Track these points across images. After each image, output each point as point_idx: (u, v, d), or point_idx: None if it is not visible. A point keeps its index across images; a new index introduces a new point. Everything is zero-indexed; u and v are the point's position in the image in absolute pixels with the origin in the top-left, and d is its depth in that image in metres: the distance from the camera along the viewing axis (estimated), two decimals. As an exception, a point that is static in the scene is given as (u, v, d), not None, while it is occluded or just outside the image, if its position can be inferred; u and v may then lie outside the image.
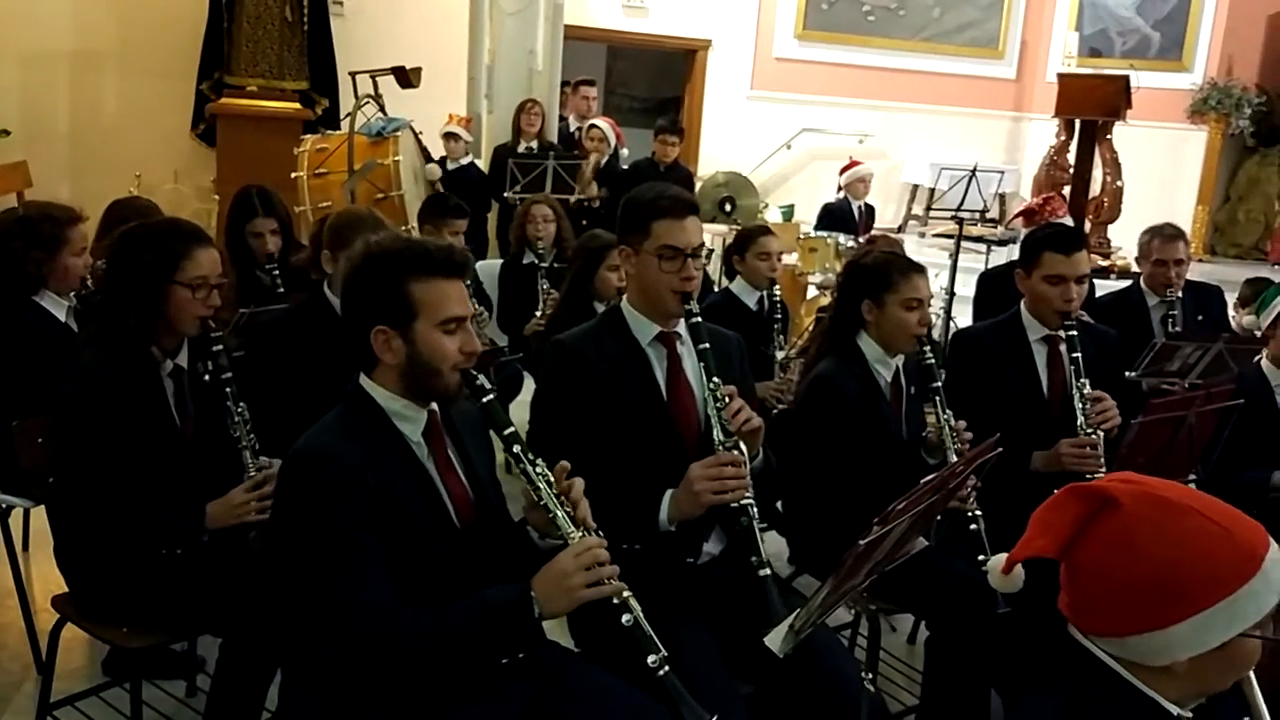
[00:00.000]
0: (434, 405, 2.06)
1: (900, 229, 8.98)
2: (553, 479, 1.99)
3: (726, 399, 2.37)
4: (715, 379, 2.39)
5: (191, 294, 2.51)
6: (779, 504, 3.17)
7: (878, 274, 2.97)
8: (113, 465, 2.44)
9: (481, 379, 2.01)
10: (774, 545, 3.74)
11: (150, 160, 8.74)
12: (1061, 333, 3.10)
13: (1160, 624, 1.32)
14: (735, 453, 2.34)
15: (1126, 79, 8.12)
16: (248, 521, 2.53)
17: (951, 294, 6.55)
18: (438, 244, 2.03)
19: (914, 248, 8.16)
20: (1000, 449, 1.96)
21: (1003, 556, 1.51)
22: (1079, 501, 1.38)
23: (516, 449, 1.98)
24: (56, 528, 2.65)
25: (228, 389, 2.60)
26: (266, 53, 8.72)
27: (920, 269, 3.02)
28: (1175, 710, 1.36)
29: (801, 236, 7.11)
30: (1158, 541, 1.32)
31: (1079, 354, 3.03)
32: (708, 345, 2.42)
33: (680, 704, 1.90)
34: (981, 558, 2.73)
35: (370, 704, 1.91)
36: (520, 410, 4.81)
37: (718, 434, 2.38)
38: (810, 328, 4.88)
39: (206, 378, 2.64)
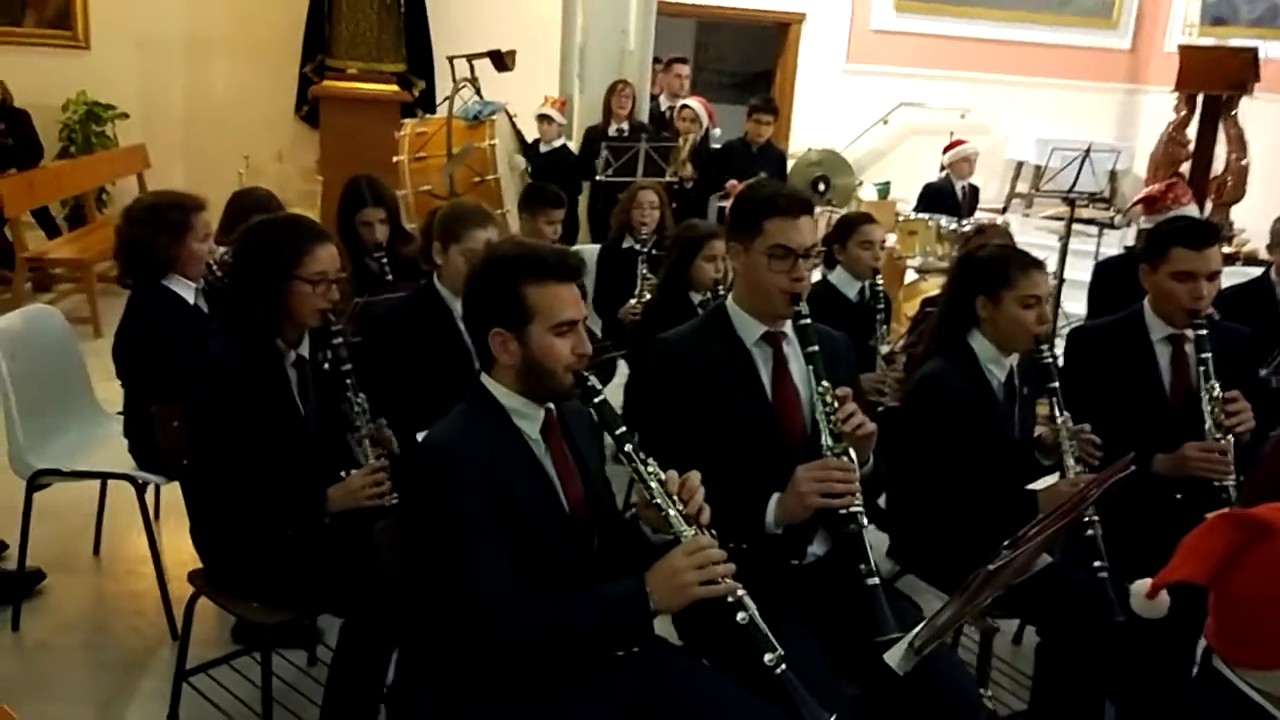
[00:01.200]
0: (550, 404, 2.11)
1: (1004, 209, 8.71)
2: (664, 477, 2.01)
3: (836, 402, 2.32)
4: (825, 383, 2.35)
5: (312, 288, 2.61)
6: (881, 500, 3.11)
7: (994, 268, 2.86)
8: (242, 452, 2.57)
9: (593, 380, 2.06)
10: (874, 539, 3.71)
11: (257, 142, 9.03)
12: (1189, 332, 2.97)
13: None
14: (844, 458, 2.30)
15: (1254, 50, 7.71)
16: (365, 506, 2.64)
17: (1061, 280, 6.34)
18: (552, 249, 2.10)
19: (1019, 229, 7.92)
20: (1134, 468, 1.87)
21: (1147, 582, 1.44)
22: (1234, 529, 1.31)
23: (629, 448, 2.02)
24: (191, 508, 2.80)
25: (348, 380, 2.73)
26: (365, 36, 8.87)
27: (1039, 264, 2.90)
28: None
29: (900, 217, 6.96)
30: None
31: (1209, 354, 2.89)
32: (817, 348, 2.38)
33: (799, 703, 1.90)
34: (1098, 564, 2.64)
35: (485, 689, 1.98)
36: (613, 394, 4.84)
37: (826, 439, 2.33)
38: (912, 317, 4.77)
39: (326, 367, 2.76)
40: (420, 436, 2.58)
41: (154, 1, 9.03)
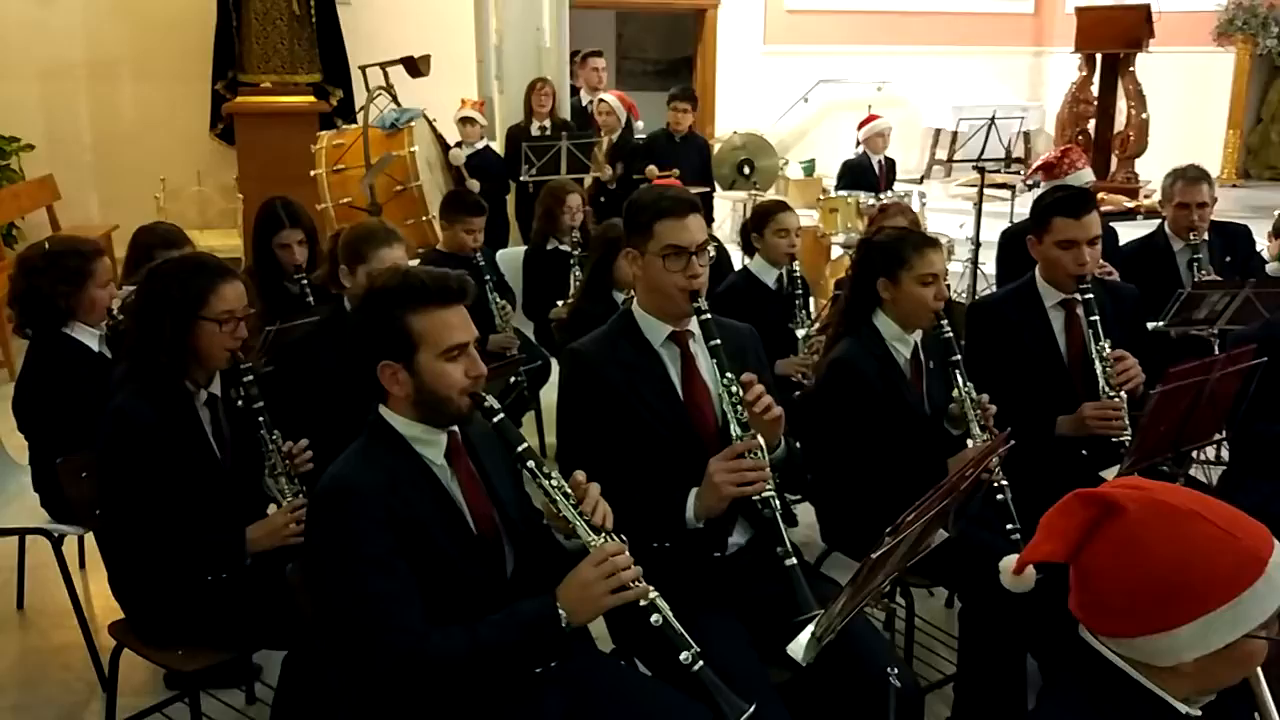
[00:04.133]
0: (453, 427, 2.12)
1: (923, 178, 8.87)
2: (569, 490, 2.04)
3: (742, 390, 2.39)
4: (729, 374, 2.41)
5: (219, 328, 2.58)
6: (808, 475, 3.19)
7: (891, 251, 2.96)
8: (156, 499, 2.53)
9: (490, 400, 2.07)
10: (806, 515, 3.80)
11: (173, 163, 8.87)
12: (1078, 295, 3.09)
13: (1167, 626, 1.34)
14: (752, 443, 2.36)
15: (1147, 7, 7.94)
16: (289, 544, 2.61)
17: (978, 244, 6.49)
18: (434, 274, 2.07)
19: (937, 197, 8.09)
20: (1012, 443, 1.96)
21: (1014, 558, 1.53)
22: (1086, 507, 1.40)
23: (531, 464, 2.05)
24: (108, 559, 2.76)
25: (260, 418, 2.69)
26: (277, 48, 8.76)
27: (934, 243, 3.01)
28: (1184, 709, 1.39)
29: (821, 196, 7.08)
30: (1163, 546, 1.34)
31: (1096, 316, 3.01)
32: (719, 341, 2.45)
33: (717, 696, 1.95)
34: (1010, 527, 2.75)
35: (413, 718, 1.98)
36: (551, 391, 4.88)
37: (735, 429, 2.40)
38: (833, 290, 4.87)
39: (240, 404, 2.72)
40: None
41: (52, 28, 8.79)
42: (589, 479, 2.10)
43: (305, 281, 4.15)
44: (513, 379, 4.38)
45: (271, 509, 2.67)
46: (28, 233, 8.40)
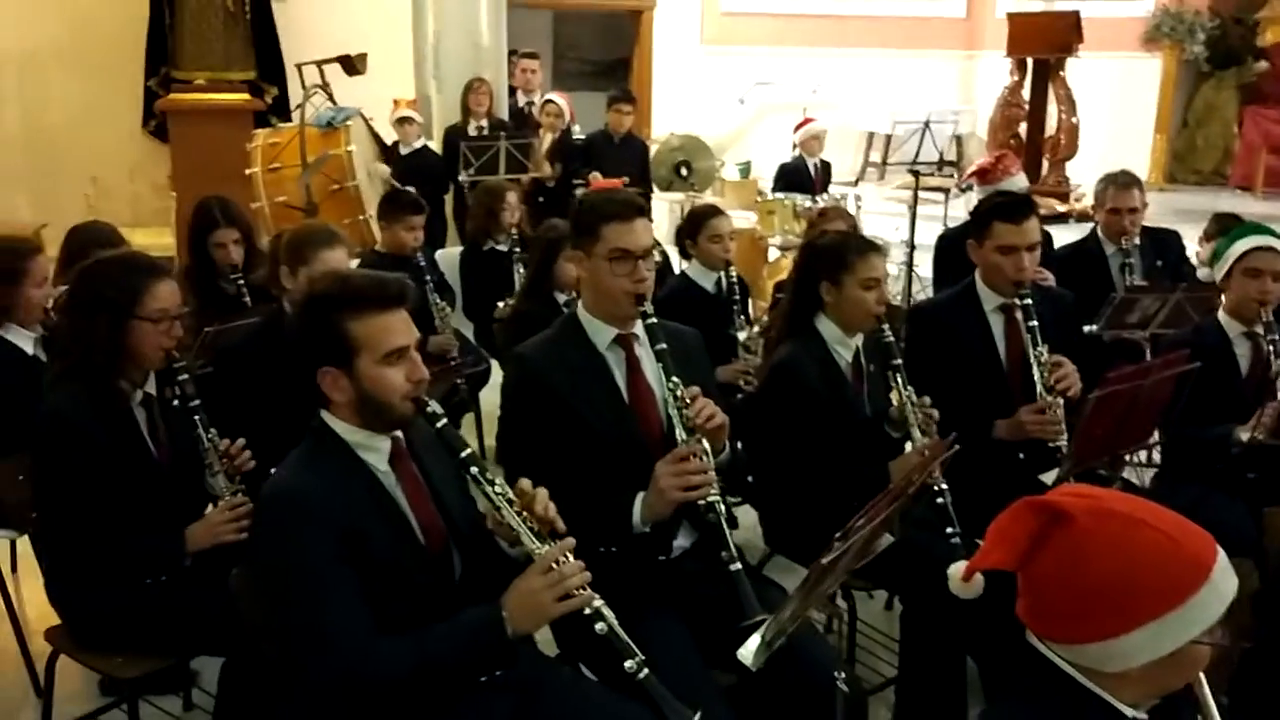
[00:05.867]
0: (397, 432, 2.09)
1: (857, 180, 8.98)
2: (513, 496, 2.02)
3: (688, 399, 2.39)
4: (674, 379, 2.42)
5: (154, 327, 2.54)
6: (749, 478, 3.21)
7: (834, 255, 2.99)
8: (92, 501, 2.49)
9: (433, 405, 2.04)
10: (747, 517, 3.82)
11: (105, 161, 8.70)
12: (1017, 300, 3.14)
13: (1114, 633, 1.36)
14: (697, 447, 2.37)
15: (1076, 14, 8.12)
16: (226, 542, 2.58)
17: (913, 246, 6.58)
18: (372, 277, 2.05)
19: (871, 200, 8.19)
20: (956, 448, 1.99)
21: (962, 565, 1.55)
22: (1033, 515, 1.41)
23: (474, 470, 2.03)
24: (44, 563, 2.71)
25: (196, 417, 2.65)
26: (211, 45, 8.55)
27: (876, 247, 3.04)
28: (1130, 712, 1.41)
29: (759, 198, 7.12)
30: (1110, 554, 1.36)
31: (1035, 322, 3.06)
32: (665, 346, 2.45)
33: (662, 704, 1.95)
34: (950, 530, 2.78)
35: None
36: (492, 393, 4.84)
37: (680, 434, 2.41)
38: (772, 293, 4.90)
39: (175, 403, 2.68)
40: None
41: (-21, 17, 8.57)
42: (534, 484, 2.08)
43: (241, 281, 4.11)
44: (456, 381, 4.35)
45: (210, 509, 2.64)
46: (-46, 233, 8.17)
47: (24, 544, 3.54)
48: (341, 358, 1.99)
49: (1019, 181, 4.57)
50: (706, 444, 2.39)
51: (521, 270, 4.92)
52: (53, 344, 3.19)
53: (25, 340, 3.24)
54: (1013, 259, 3.12)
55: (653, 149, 7.52)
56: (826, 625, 3.53)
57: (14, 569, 3.71)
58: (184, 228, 7.51)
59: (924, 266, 6.69)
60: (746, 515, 3.92)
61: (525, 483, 2.05)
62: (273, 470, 2.55)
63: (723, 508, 2.39)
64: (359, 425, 2.04)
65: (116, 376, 2.56)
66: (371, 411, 2.02)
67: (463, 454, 2.02)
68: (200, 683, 3.12)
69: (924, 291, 6.78)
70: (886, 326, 2.95)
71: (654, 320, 2.47)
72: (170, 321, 2.57)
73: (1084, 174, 8.76)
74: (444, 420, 2.04)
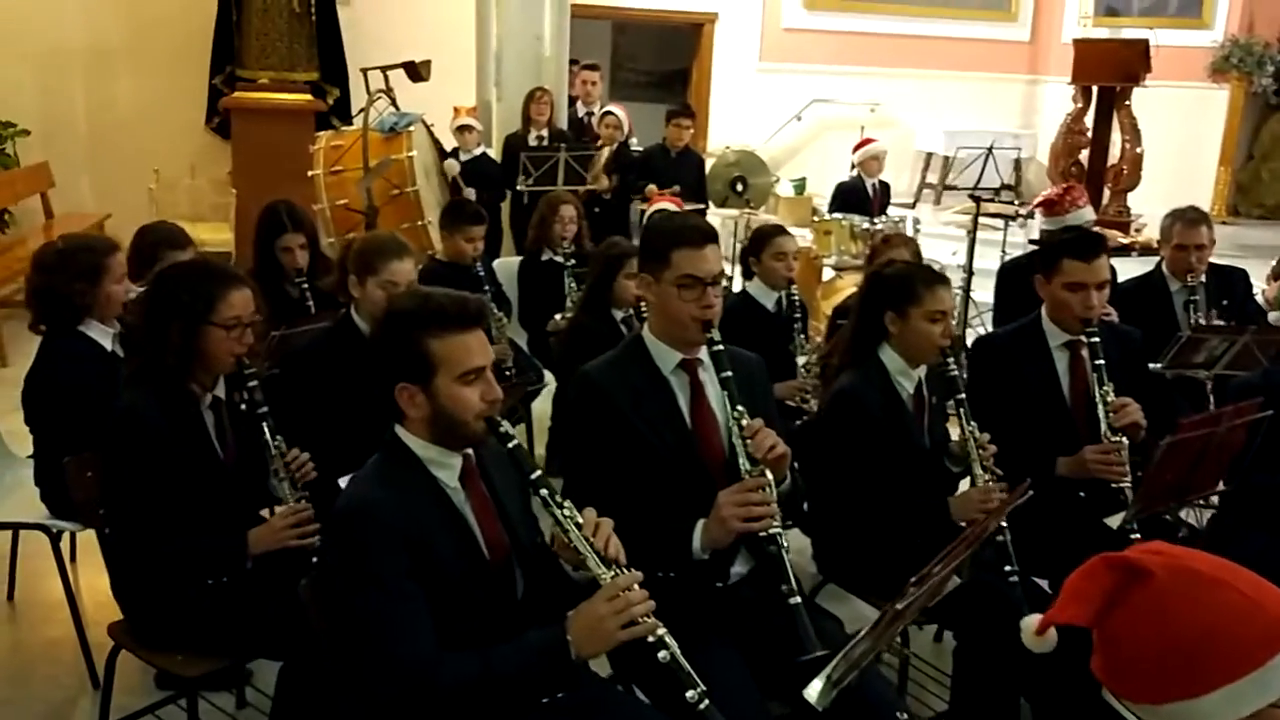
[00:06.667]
0: (468, 449, 2.12)
1: (914, 202, 8.92)
2: (581, 520, 2.02)
3: (752, 431, 2.39)
4: (739, 408, 2.42)
5: (226, 334, 2.60)
6: (804, 504, 3.19)
7: (901, 286, 2.97)
8: (159, 501, 2.54)
9: (505, 425, 2.06)
10: (797, 541, 3.81)
11: (167, 155, 8.82)
12: (1084, 338, 3.10)
13: (1191, 694, 1.34)
14: (761, 479, 2.37)
15: (1145, 43, 8.00)
16: (289, 547, 2.63)
17: (970, 272, 6.52)
18: (452, 297, 2.07)
19: (929, 222, 8.14)
20: (1030, 493, 1.97)
21: (1036, 618, 1.52)
22: (1111, 572, 1.39)
23: (544, 493, 2.03)
24: (110, 560, 2.75)
25: (264, 423, 2.70)
26: (276, 45, 8.73)
27: (944, 280, 3.01)
28: (1206, 773, 1.38)
29: (815, 218, 7.09)
30: (1189, 614, 1.34)
31: (1101, 360, 3.03)
32: (730, 374, 2.45)
33: None
34: (1008, 569, 2.76)
35: None
36: (544, 403, 4.87)
37: (743, 462, 2.41)
38: (829, 315, 4.89)
39: (244, 407, 2.74)
40: (342, 482, 2.61)
41: (50, 14, 8.74)
42: (594, 503, 2.09)
43: (306, 285, 4.20)
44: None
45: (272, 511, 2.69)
46: (20, 219, 8.37)
47: (84, 537, 3.64)
48: (420, 375, 2.02)
49: (1086, 215, 4.52)
50: (770, 475, 2.38)
51: (573, 283, 4.97)
52: (129, 340, 3.26)
53: (104, 336, 3.30)
54: (1081, 296, 3.09)
55: (708, 163, 7.52)
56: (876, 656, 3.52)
57: (73, 558, 3.83)
58: (244, 224, 7.75)
59: (979, 292, 6.65)
60: (796, 539, 3.92)
61: (590, 513, 2.05)
62: (340, 481, 2.60)
63: (784, 540, 2.38)
64: (432, 441, 2.07)
65: (188, 379, 2.62)
66: (445, 429, 2.04)
67: (533, 475, 2.04)
68: (255, 681, 3.16)
69: (979, 317, 6.73)
70: (951, 360, 2.93)
71: (720, 347, 2.46)
72: (243, 329, 2.63)
73: (1146, 204, 8.64)
74: (516, 440, 2.05)
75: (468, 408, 2.02)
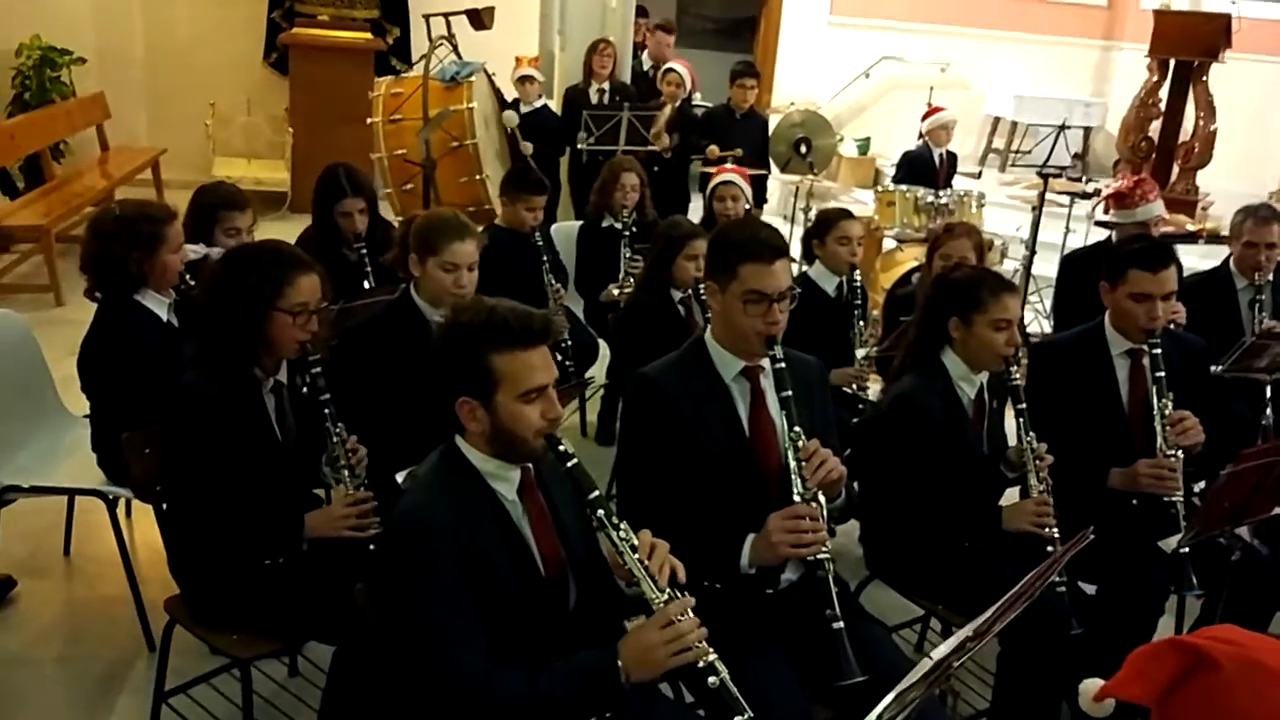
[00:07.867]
0: (528, 463, 2.13)
1: (979, 172, 8.71)
2: (637, 542, 2.02)
3: (808, 454, 2.39)
4: (797, 429, 2.41)
5: (292, 320, 2.60)
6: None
7: (967, 292, 2.93)
8: (218, 480, 2.56)
9: (565, 444, 2.06)
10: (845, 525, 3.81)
11: (223, 89, 8.77)
12: (1146, 348, 3.06)
13: None
14: (813, 505, 2.38)
15: (1227, 17, 7.70)
16: (344, 535, 2.65)
17: (1033, 251, 6.41)
18: (517, 312, 2.05)
19: (993, 193, 7.97)
20: (1092, 538, 1.96)
21: (1097, 682, 1.53)
22: (1178, 655, 1.38)
23: (601, 514, 2.03)
24: (168, 538, 2.79)
25: (326, 410, 2.71)
26: (337, -20, 8.66)
27: (1011, 287, 2.97)
28: None
29: (879, 188, 6.97)
30: (1253, 709, 1.33)
31: (1163, 373, 2.99)
32: (790, 394, 2.44)
33: None
34: (1056, 579, 2.75)
35: None
36: (598, 370, 4.88)
37: (797, 485, 2.41)
38: (887, 291, 4.83)
39: (305, 390, 2.75)
40: (399, 477, 2.65)
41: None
42: (647, 505, 2.09)
43: (364, 249, 4.17)
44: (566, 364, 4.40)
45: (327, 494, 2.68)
46: (75, 149, 8.34)
47: (137, 506, 3.65)
48: (481, 390, 2.01)
49: (1155, 209, 4.43)
50: (823, 499, 2.39)
51: (628, 253, 4.94)
52: (186, 310, 3.28)
53: (160, 306, 3.28)
54: (1146, 307, 3.05)
55: (773, 120, 7.39)
56: (917, 646, 3.54)
57: (128, 514, 3.85)
58: (300, 165, 7.74)
59: (1039, 266, 6.55)
60: (848, 525, 3.93)
61: (646, 534, 2.06)
62: (398, 476, 2.63)
63: (831, 565, 2.39)
64: (491, 455, 2.07)
65: (251, 362, 2.62)
66: (504, 444, 2.05)
67: (590, 495, 2.03)
68: (305, 651, 3.17)
69: (1038, 293, 6.63)
70: (1015, 369, 2.90)
71: (783, 365, 2.45)
72: (309, 315, 2.62)
73: (1215, 183, 8.40)
74: (575, 459, 2.05)
75: (528, 425, 2.02)
